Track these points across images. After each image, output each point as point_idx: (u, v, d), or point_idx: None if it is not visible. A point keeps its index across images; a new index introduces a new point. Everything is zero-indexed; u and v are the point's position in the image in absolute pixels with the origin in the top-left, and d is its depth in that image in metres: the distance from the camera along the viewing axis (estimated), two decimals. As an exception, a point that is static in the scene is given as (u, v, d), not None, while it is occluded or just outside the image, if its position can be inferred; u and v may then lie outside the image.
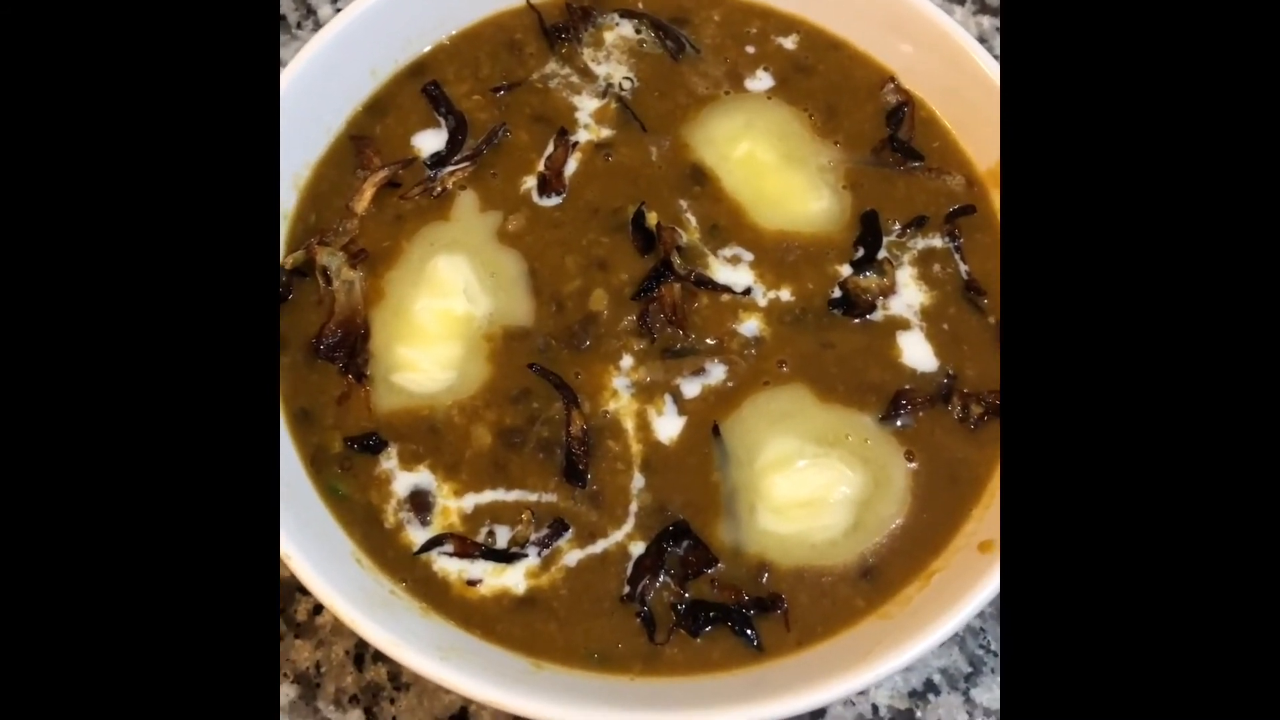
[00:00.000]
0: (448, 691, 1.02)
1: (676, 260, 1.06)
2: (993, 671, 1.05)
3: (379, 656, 1.04)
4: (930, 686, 1.05)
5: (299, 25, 1.37)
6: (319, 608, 1.06)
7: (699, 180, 1.12)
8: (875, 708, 1.04)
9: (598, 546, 0.97)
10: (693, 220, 1.10)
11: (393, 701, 1.02)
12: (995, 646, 1.06)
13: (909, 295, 1.08)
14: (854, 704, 1.04)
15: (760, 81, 1.18)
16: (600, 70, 1.19)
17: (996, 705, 1.04)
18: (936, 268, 1.09)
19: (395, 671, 1.03)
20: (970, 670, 1.06)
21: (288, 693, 1.03)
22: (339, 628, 1.05)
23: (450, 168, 1.12)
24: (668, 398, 1.02)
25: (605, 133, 1.15)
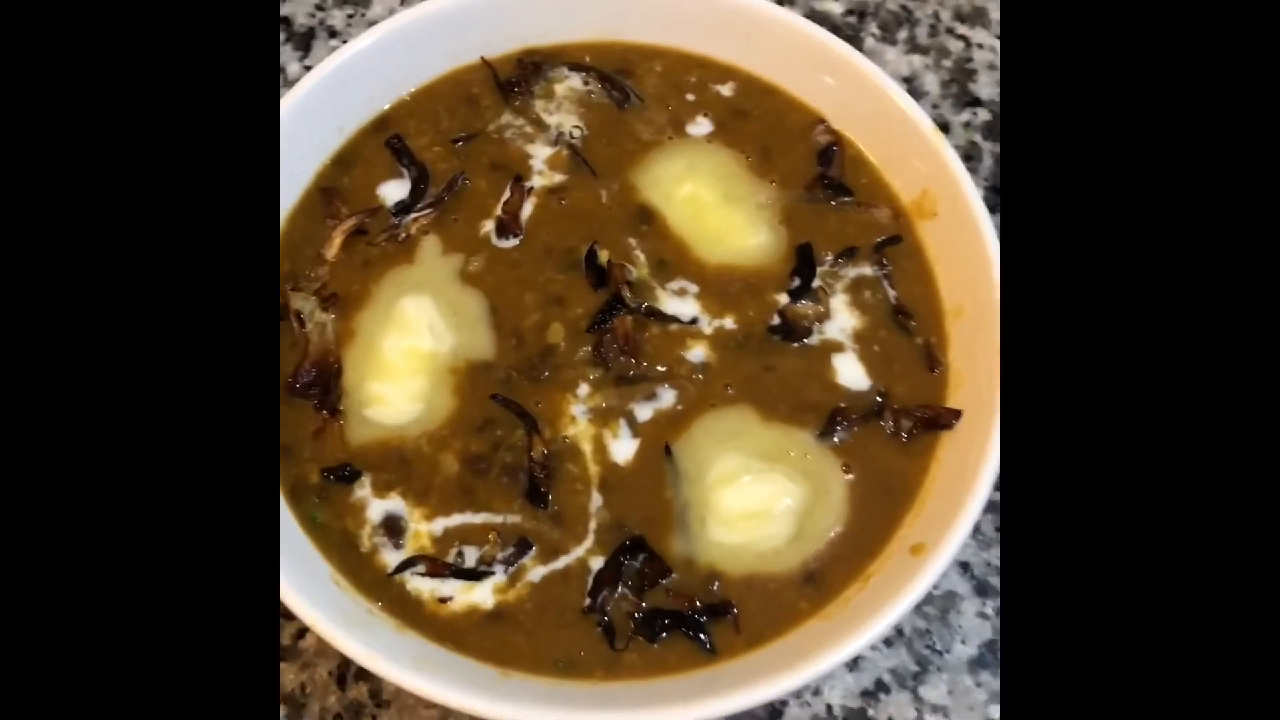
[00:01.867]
0: (427, 707, 1.05)
1: (627, 294, 1.09)
2: (939, 670, 1.09)
3: (360, 676, 1.07)
4: (881, 686, 1.09)
5: (269, 82, 1.43)
6: (303, 632, 1.08)
7: (646, 220, 1.15)
8: (829, 707, 1.07)
9: (560, 562, 1.00)
10: (641, 257, 1.13)
11: (374, 718, 1.05)
12: (941, 647, 1.10)
13: (842, 320, 1.11)
14: (809, 704, 1.07)
15: (700, 127, 1.21)
16: (552, 120, 1.21)
17: (944, 701, 1.08)
18: (867, 294, 1.12)
19: (376, 690, 1.06)
20: (918, 669, 1.09)
21: (274, 714, 1.07)
22: (322, 650, 1.08)
23: (414, 215, 1.14)
24: (622, 422, 1.05)
25: (558, 178, 1.18)
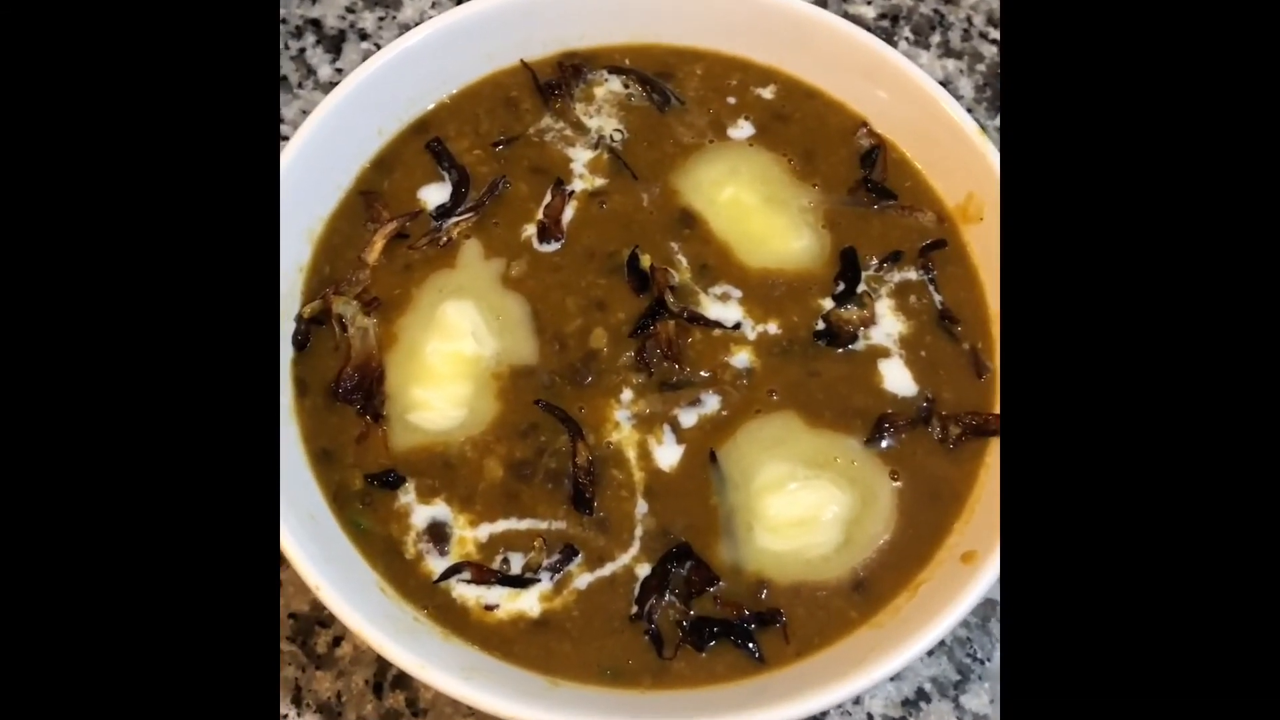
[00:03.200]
0: (464, 715, 1.05)
1: (670, 299, 1.08)
2: (980, 679, 1.08)
3: (397, 684, 1.06)
4: (922, 695, 1.08)
5: (300, 85, 1.41)
6: (338, 640, 1.08)
7: (688, 224, 1.15)
8: (870, 716, 1.07)
9: (606, 569, 0.99)
10: (684, 261, 1.13)
11: None
12: (982, 655, 1.09)
13: (888, 325, 1.11)
14: (849, 714, 1.07)
15: (742, 130, 1.21)
16: (592, 123, 1.21)
17: (985, 710, 1.07)
18: (912, 299, 1.12)
19: (413, 698, 1.05)
20: (959, 678, 1.08)
21: (310, 722, 1.05)
22: (358, 658, 1.07)
23: (455, 219, 1.14)
24: (666, 428, 1.05)
25: (599, 182, 1.17)
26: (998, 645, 1.11)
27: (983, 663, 1.10)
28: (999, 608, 1.12)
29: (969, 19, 1.51)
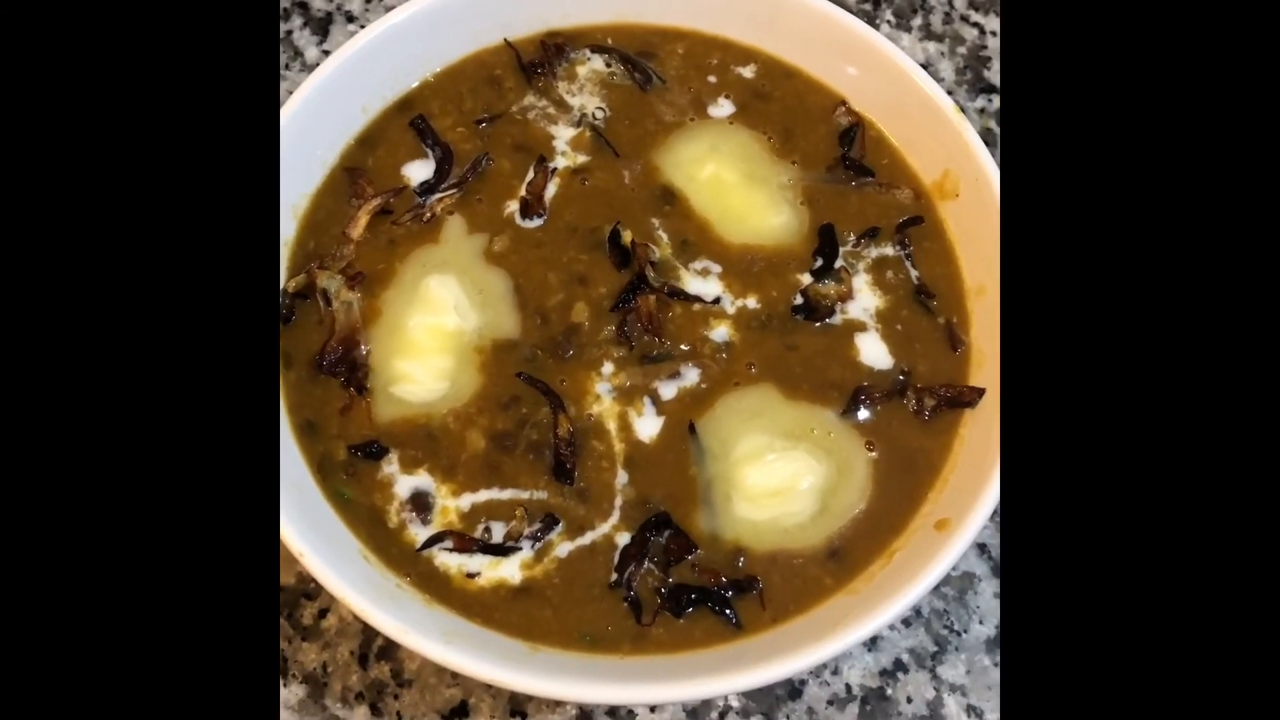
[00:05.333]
0: (448, 685, 1.06)
1: (651, 274, 1.09)
2: (956, 650, 1.10)
3: (382, 655, 1.07)
4: (899, 665, 1.09)
5: (287, 66, 1.42)
6: (324, 612, 1.09)
7: (669, 200, 1.16)
8: (849, 686, 1.08)
9: (586, 538, 1.00)
10: (664, 237, 1.14)
11: (396, 697, 1.06)
12: (959, 627, 1.11)
13: (865, 300, 1.12)
14: (828, 683, 1.08)
15: (722, 108, 1.22)
16: (574, 101, 1.22)
17: (961, 681, 1.09)
18: (889, 274, 1.13)
19: (398, 669, 1.07)
20: (936, 649, 1.10)
21: (297, 692, 1.06)
22: (344, 630, 1.09)
23: (438, 195, 1.15)
24: (647, 400, 1.06)
25: (581, 159, 1.19)
26: (974, 617, 1.12)
27: (959, 634, 1.11)
28: (977, 580, 1.14)
29: (950, 2, 1.52)
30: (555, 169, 1.18)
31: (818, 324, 1.10)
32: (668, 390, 1.07)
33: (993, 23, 1.51)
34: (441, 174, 1.17)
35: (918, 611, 1.12)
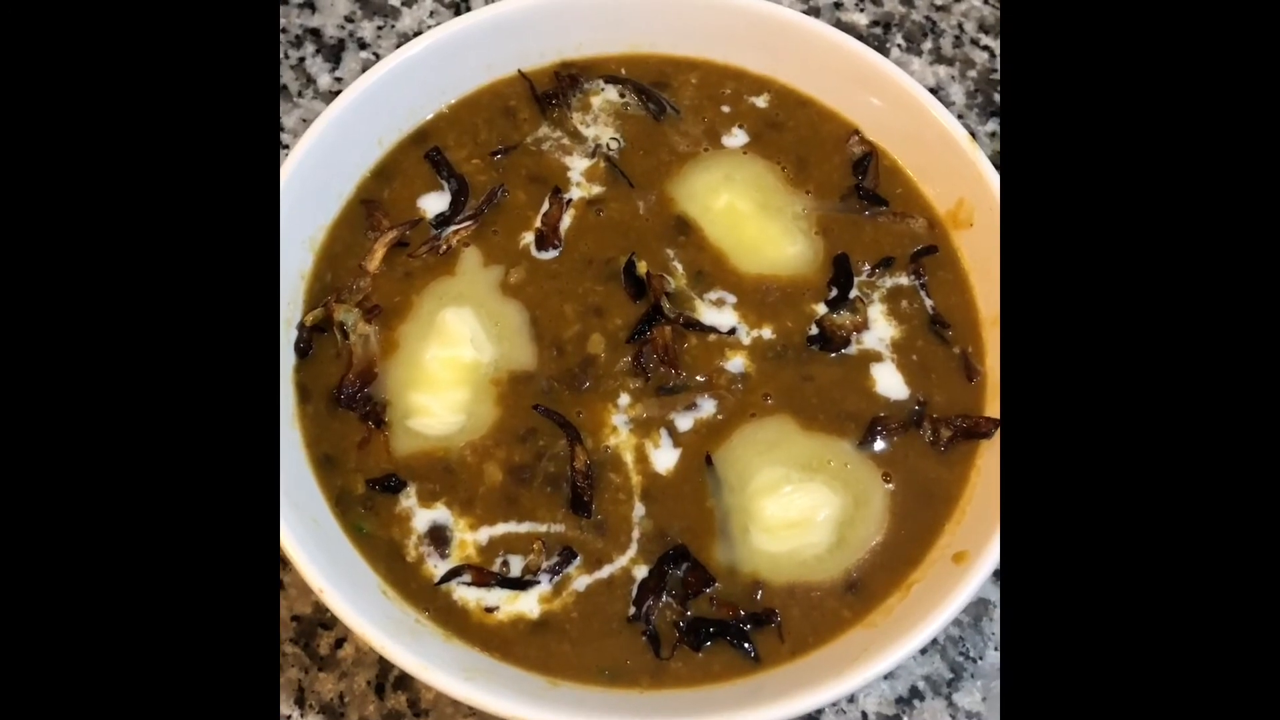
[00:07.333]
0: (465, 715, 1.06)
1: (666, 305, 1.09)
2: (972, 677, 1.10)
3: (399, 685, 1.07)
4: (915, 693, 1.09)
5: (299, 94, 1.42)
6: (340, 642, 1.09)
7: (684, 230, 1.16)
8: (864, 715, 1.08)
9: (604, 571, 1.00)
10: (679, 267, 1.14)
11: None
12: (975, 653, 1.10)
13: (880, 330, 1.12)
14: (844, 712, 1.08)
15: (736, 138, 1.22)
16: (589, 132, 1.23)
17: (978, 708, 1.08)
18: (904, 304, 1.13)
19: (415, 699, 1.07)
20: (952, 676, 1.10)
21: (314, 723, 1.06)
22: (360, 659, 1.08)
23: (454, 227, 1.15)
24: (663, 432, 1.06)
25: (596, 190, 1.19)
26: (990, 644, 1.12)
27: (975, 661, 1.11)
28: (991, 607, 1.14)
29: (960, 25, 1.53)
30: (570, 200, 1.18)
31: (833, 354, 1.10)
32: (684, 422, 1.07)
33: (1003, 46, 1.51)
34: (457, 206, 1.17)
35: (933, 639, 1.12)
